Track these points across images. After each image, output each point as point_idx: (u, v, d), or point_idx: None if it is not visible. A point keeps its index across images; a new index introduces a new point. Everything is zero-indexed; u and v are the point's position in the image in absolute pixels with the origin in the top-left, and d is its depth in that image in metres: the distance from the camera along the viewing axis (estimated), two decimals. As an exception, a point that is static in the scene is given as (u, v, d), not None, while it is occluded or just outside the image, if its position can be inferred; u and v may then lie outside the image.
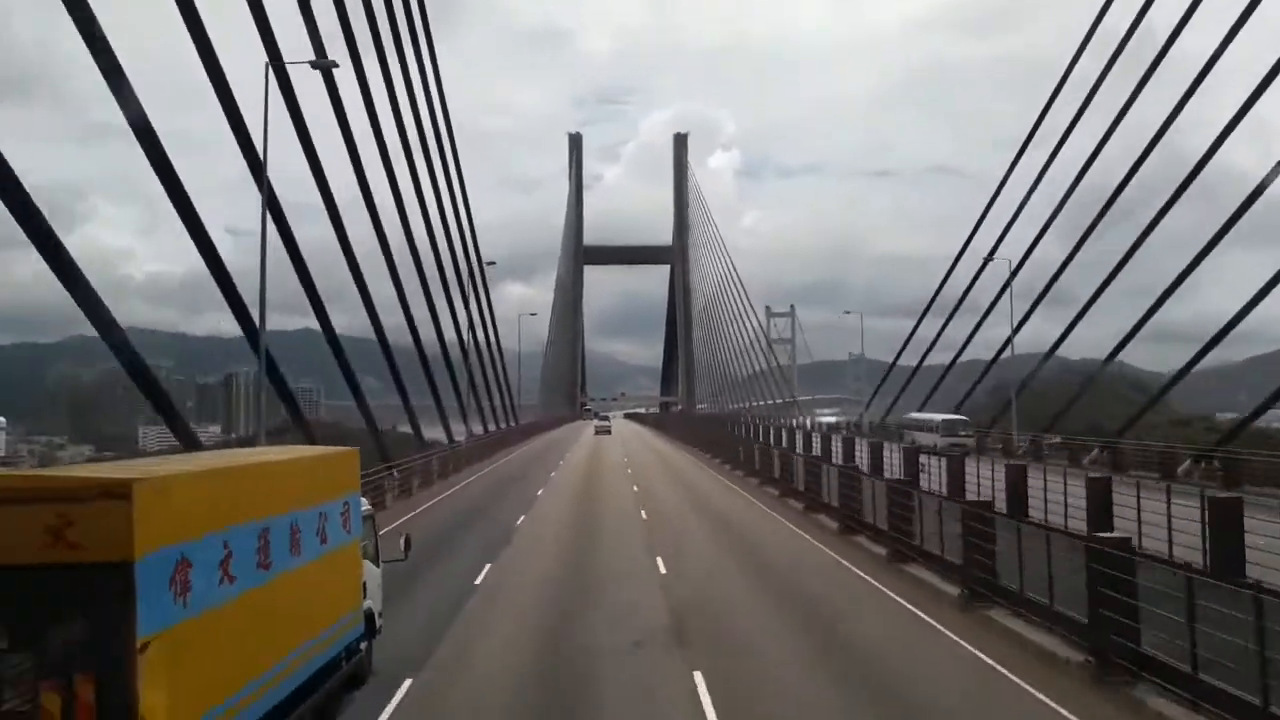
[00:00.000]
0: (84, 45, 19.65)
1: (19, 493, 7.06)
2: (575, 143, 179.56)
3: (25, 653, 6.71)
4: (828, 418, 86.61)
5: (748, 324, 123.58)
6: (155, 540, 6.99)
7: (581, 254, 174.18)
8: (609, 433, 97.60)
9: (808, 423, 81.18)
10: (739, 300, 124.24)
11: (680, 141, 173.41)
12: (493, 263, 69.85)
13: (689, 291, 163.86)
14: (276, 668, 9.16)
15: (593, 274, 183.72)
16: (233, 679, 8.22)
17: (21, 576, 6.76)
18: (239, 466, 9.70)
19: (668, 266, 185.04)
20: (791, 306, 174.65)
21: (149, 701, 6.80)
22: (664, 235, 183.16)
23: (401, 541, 15.17)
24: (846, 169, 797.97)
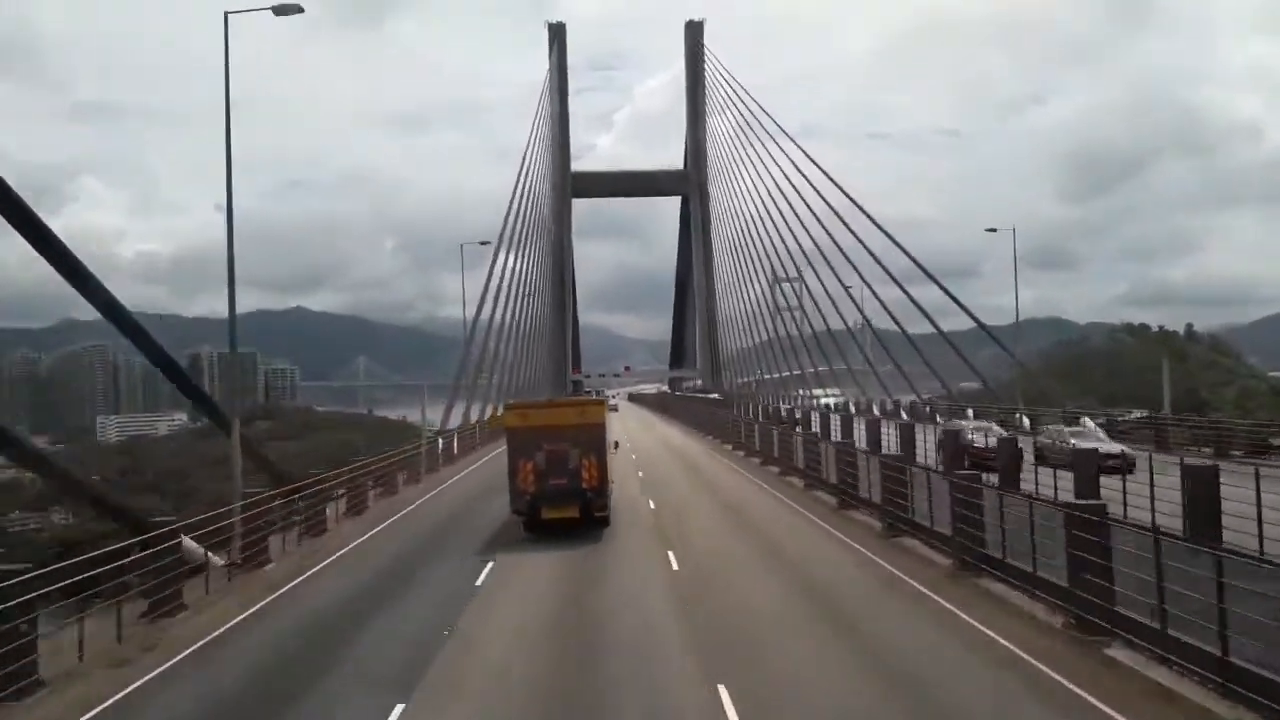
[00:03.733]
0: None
1: (570, 404, 31.11)
2: (557, 33, 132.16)
3: (576, 450, 25.97)
4: (828, 399, 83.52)
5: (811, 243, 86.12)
6: (605, 417, 27.80)
7: (569, 185, 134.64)
8: (615, 409, 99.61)
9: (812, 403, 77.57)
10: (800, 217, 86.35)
11: (695, 30, 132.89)
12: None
13: (709, 229, 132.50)
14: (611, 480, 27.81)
15: (583, 249, 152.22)
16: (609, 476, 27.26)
17: (574, 429, 26.40)
18: (601, 401, 32.00)
19: (678, 199, 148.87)
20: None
21: (609, 468, 27.05)
22: (669, 199, 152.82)
23: (613, 443, 29.85)
24: (843, 131, 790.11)
